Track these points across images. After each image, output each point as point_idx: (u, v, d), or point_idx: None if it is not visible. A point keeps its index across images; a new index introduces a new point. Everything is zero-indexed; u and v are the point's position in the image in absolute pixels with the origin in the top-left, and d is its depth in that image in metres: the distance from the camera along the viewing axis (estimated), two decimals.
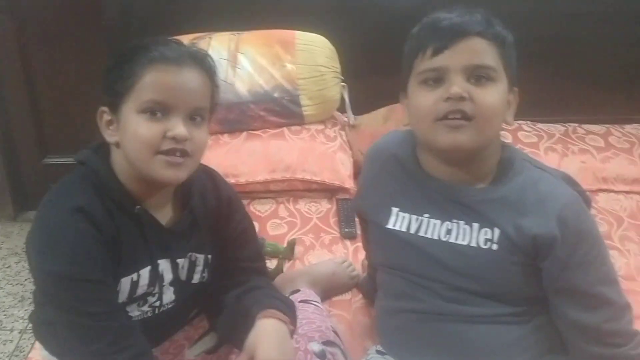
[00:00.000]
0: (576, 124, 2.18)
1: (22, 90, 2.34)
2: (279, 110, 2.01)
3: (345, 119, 2.17)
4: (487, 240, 1.04)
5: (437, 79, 1.00)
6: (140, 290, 1.05)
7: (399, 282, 1.14)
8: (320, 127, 2.06)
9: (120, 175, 1.03)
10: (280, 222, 1.83)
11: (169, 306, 1.12)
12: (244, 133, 2.00)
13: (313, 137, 2.00)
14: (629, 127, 2.21)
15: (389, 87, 2.27)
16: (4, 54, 2.29)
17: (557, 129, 2.13)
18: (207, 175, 1.18)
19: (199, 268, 1.14)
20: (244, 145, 1.95)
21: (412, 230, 1.11)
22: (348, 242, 1.74)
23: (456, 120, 0.98)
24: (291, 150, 1.94)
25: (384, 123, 2.16)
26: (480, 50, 0.99)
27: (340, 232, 1.78)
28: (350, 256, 1.68)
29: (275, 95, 2.00)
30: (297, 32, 2.09)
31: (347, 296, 1.53)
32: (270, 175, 1.89)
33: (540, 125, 2.14)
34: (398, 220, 1.13)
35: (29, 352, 1.40)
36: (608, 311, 1.02)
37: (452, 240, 1.07)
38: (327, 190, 1.94)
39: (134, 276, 1.04)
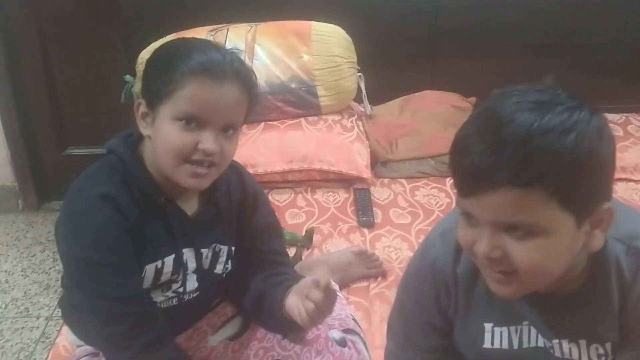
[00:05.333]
0: None
1: (42, 83, 2.38)
2: (296, 101, 2.03)
3: (362, 109, 2.18)
4: (600, 355, 0.89)
5: (472, 217, 0.79)
6: (164, 277, 1.08)
7: None
8: (337, 117, 2.07)
9: (149, 166, 1.06)
10: (298, 212, 1.85)
11: (193, 295, 1.15)
12: (262, 124, 2.02)
13: (330, 127, 2.02)
14: None
15: (405, 77, 2.31)
16: (23, 47, 2.32)
17: None
18: (234, 170, 1.19)
19: (222, 259, 1.16)
20: (262, 136, 1.97)
21: (515, 345, 0.93)
22: (366, 231, 1.76)
23: (496, 274, 0.80)
24: (308, 140, 1.96)
25: (400, 113, 2.18)
26: (510, 205, 0.73)
27: (357, 221, 1.79)
28: (368, 244, 1.70)
29: (292, 86, 2.02)
30: (313, 22, 2.10)
31: (364, 283, 1.55)
32: (287, 165, 1.91)
33: None
34: (496, 337, 0.93)
35: (56, 338, 1.44)
36: None
37: (557, 354, 0.91)
38: (344, 181, 1.95)
39: (158, 263, 1.07)
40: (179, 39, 1.14)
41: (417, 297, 1.00)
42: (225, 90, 0.99)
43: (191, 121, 0.98)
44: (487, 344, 0.94)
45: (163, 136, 1.00)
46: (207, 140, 0.99)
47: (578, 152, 0.71)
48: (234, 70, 1.01)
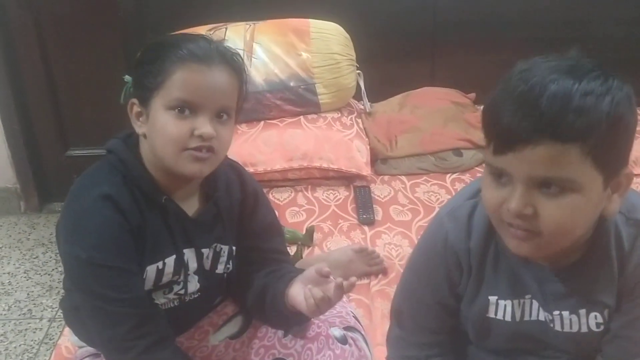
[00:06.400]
0: None
1: (42, 84, 2.38)
2: (295, 99, 2.03)
3: (361, 107, 2.18)
4: (598, 324, 0.94)
5: (503, 176, 0.82)
6: (165, 279, 1.08)
7: None
8: (336, 115, 2.07)
9: (148, 166, 1.06)
10: (298, 210, 1.86)
11: (195, 296, 1.15)
12: (261, 122, 2.02)
13: (329, 125, 2.02)
14: None
15: (404, 73, 2.31)
16: (23, 49, 2.33)
17: None
18: (233, 169, 1.20)
19: (223, 259, 1.16)
20: (261, 135, 1.98)
21: (517, 318, 0.97)
22: (366, 228, 1.76)
23: (519, 231, 0.82)
24: (308, 138, 1.96)
25: (399, 110, 2.18)
26: (549, 159, 0.76)
27: (358, 218, 1.80)
28: (369, 242, 1.70)
29: (291, 84, 2.02)
30: (311, 20, 2.10)
31: (365, 280, 1.55)
32: (287, 163, 1.92)
33: None
34: (499, 309, 0.97)
35: (58, 339, 1.45)
36: None
37: (557, 328, 0.95)
38: (345, 178, 1.96)
39: (160, 264, 1.07)
40: (165, 35, 1.15)
41: (428, 279, 1.02)
42: (214, 74, 1.00)
43: (184, 108, 0.99)
44: (491, 314, 0.98)
45: (159, 128, 1.00)
46: (203, 125, 0.99)
47: (613, 114, 0.76)
48: (220, 54, 1.02)
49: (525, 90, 0.77)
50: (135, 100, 1.04)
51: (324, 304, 1.01)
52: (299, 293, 1.05)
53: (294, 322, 1.15)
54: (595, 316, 0.94)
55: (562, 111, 0.75)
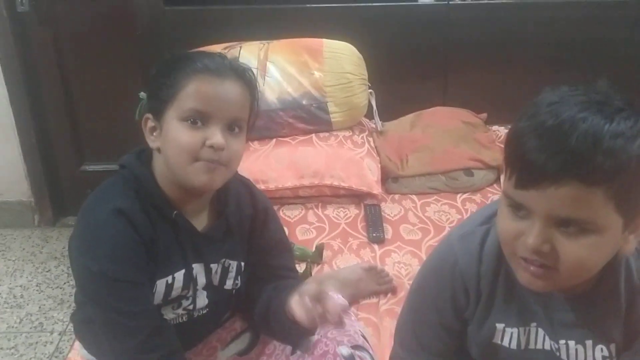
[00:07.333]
0: None
1: (59, 100, 2.43)
2: (307, 117, 2.05)
3: (373, 126, 2.20)
4: (605, 357, 0.92)
5: (522, 210, 0.80)
6: (174, 293, 1.09)
7: None
8: (347, 133, 2.08)
9: (161, 181, 1.07)
10: (309, 227, 1.86)
11: (203, 311, 1.15)
12: (273, 140, 2.04)
13: (341, 143, 2.03)
14: None
15: (415, 93, 2.32)
16: (42, 63, 2.38)
17: None
18: (244, 185, 1.21)
19: (232, 274, 1.17)
20: (273, 152, 1.99)
21: (522, 346, 0.95)
22: (376, 247, 1.76)
23: (533, 266, 0.81)
24: (319, 156, 1.97)
25: (411, 129, 2.19)
26: (572, 200, 0.75)
27: (368, 237, 1.80)
28: (378, 260, 1.70)
29: (304, 102, 2.04)
30: (324, 40, 2.12)
31: (374, 299, 1.55)
32: (298, 181, 1.93)
33: None
34: (505, 337, 0.96)
35: (68, 353, 1.45)
36: None
37: (563, 357, 0.94)
38: (355, 196, 1.96)
39: (169, 279, 1.08)
40: (180, 51, 1.17)
41: (433, 301, 1.01)
42: (226, 85, 1.03)
43: (197, 120, 1.01)
44: (497, 340, 0.96)
45: (171, 139, 1.02)
46: (214, 135, 1.01)
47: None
48: (233, 68, 1.05)
49: (553, 126, 0.75)
50: (149, 115, 1.06)
51: (322, 319, 0.99)
52: (296, 303, 1.04)
53: (297, 334, 1.14)
54: (602, 349, 0.92)
55: (592, 152, 0.73)
